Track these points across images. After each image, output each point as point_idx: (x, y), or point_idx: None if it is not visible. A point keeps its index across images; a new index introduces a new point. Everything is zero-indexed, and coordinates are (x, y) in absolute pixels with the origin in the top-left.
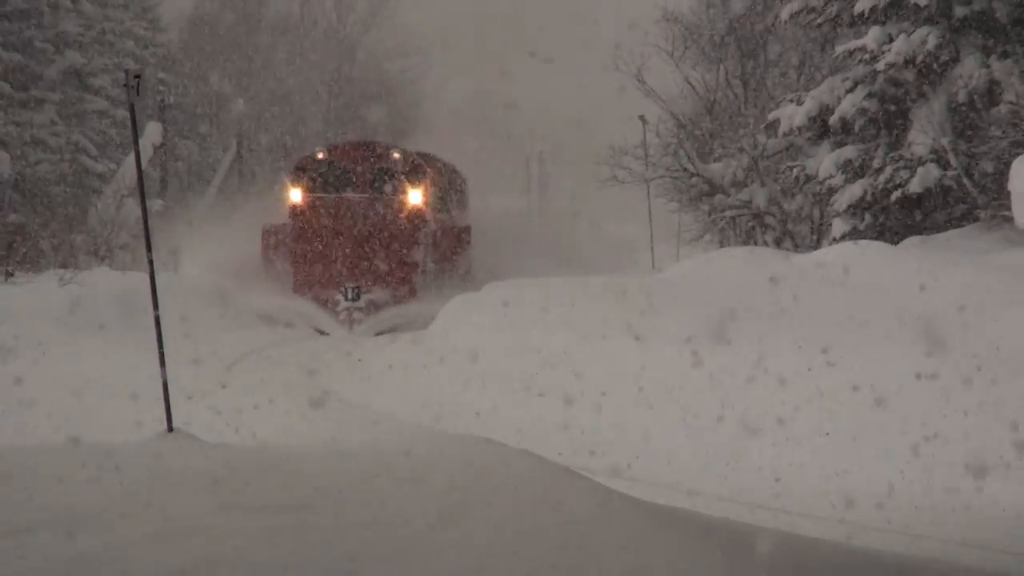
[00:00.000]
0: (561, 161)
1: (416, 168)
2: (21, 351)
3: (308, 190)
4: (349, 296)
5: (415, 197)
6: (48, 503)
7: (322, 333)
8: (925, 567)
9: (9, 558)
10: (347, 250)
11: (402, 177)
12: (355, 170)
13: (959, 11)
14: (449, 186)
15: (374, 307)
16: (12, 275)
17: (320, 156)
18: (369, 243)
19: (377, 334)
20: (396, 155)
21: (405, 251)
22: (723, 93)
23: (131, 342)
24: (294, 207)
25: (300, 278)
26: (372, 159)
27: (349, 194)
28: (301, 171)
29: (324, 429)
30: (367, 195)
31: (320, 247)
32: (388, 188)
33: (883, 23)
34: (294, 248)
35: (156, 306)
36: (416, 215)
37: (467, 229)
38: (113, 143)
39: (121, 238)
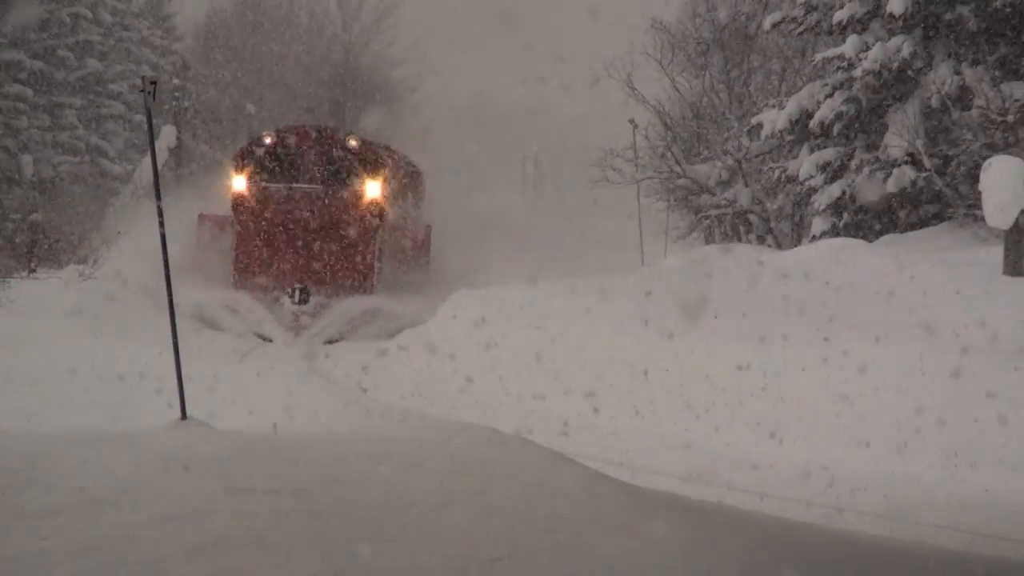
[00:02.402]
0: (555, 162)
1: (375, 157)
2: (40, 342)
3: (253, 178)
4: (296, 298)
5: (373, 189)
6: (70, 487)
7: (264, 339)
8: (895, 548)
9: (34, 538)
10: (295, 247)
11: (359, 167)
12: (307, 157)
13: (932, 21)
14: (408, 181)
15: (324, 311)
16: (35, 271)
17: (268, 140)
18: (320, 240)
19: (327, 342)
20: (353, 142)
21: (360, 250)
22: (708, 98)
23: (141, 334)
24: (237, 197)
25: (241, 277)
26: (326, 145)
27: (299, 184)
28: (246, 156)
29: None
30: (319, 186)
31: (265, 243)
32: (343, 178)
33: (860, 32)
34: (235, 244)
35: (171, 305)
36: (374, 209)
37: (427, 228)
38: (130, 146)
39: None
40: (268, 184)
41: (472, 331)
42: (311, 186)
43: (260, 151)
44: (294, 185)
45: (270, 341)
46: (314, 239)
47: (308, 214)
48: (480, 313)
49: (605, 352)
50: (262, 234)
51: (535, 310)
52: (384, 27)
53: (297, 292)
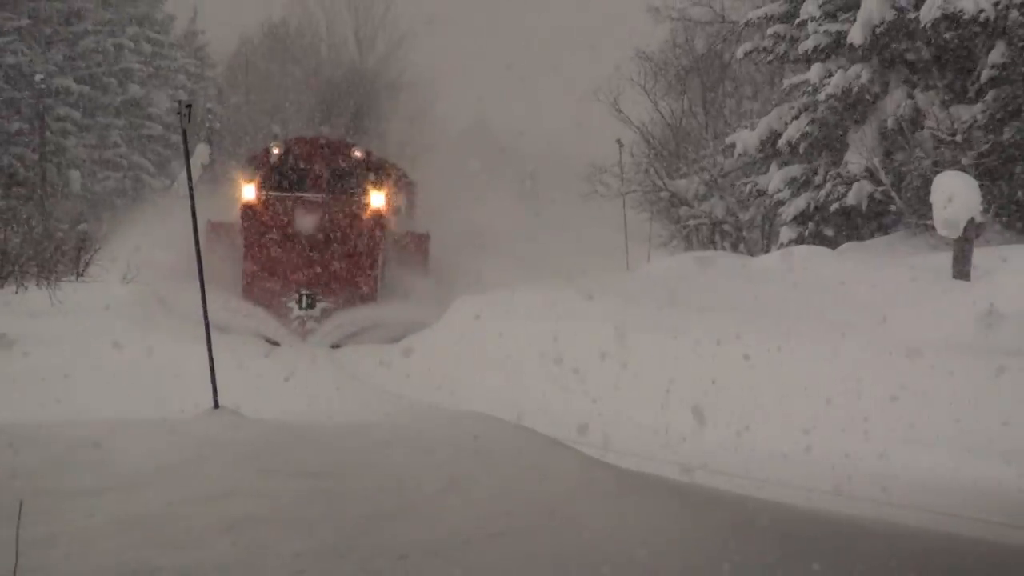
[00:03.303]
0: (550, 178)
1: (379, 169)
2: (86, 338)
3: (262, 188)
4: (303, 304)
5: (377, 200)
6: (112, 470)
7: (272, 343)
8: (861, 527)
9: (81, 515)
10: (302, 254)
11: (364, 178)
12: (313, 168)
13: (888, 51)
14: (406, 192)
15: (330, 316)
16: (82, 275)
17: (276, 151)
18: (326, 247)
19: (333, 346)
20: (358, 153)
21: (365, 257)
22: (687, 120)
23: (180, 332)
24: (246, 206)
25: (250, 282)
26: (332, 157)
27: (306, 194)
28: (255, 167)
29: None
30: (326, 195)
31: (273, 250)
32: (348, 189)
33: (823, 60)
34: (245, 250)
35: (204, 301)
36: (378, 219)
37: (426, 237)
38: (168, 162)
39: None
40: (276, 193)
41: (471, 329)
42: (317, 195)
43: (269, 162)
44: (301, 195)
45: (277, 344)
46: (320, 247)
47: (314, 223)
48: (479, 313)
49: (584, 343)
50: (270, 241)
51: (527, 308)
52: (397, 56)
53: (304, 298)
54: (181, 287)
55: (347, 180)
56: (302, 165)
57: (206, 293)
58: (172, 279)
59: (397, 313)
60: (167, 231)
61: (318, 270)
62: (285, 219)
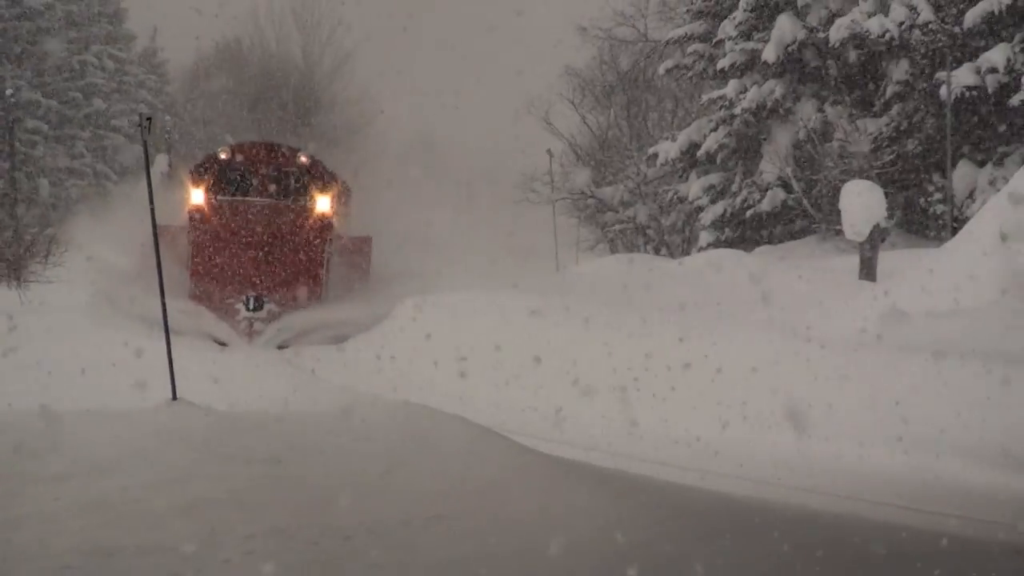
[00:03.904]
0: (485, 186)
1: (324, 173)
2: (52, 336)
3: (210, 192)
4: (250, 305)
5: (323, 204)
6: (77, 456)
7: (220, 344)
8: (764, 506)
9: (48, 498)
10: (250, 257)
11: (309, 182)
12: (260, 172)
13: (799, 68)
14: (344, 196)
15: (277, 317)
16: (50, 278)
17: (223, 156)
18: (273, 251)
19: (279, 347)
20: (303, 159)
21: (311, 260)
22: (613, 132)
23: (136, 331)
24: (194, 209)
25: (198, 285)
26: (278, 161)
27: (253, 198)
28: (203, 171)
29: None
30: (272, 200)
31: (221, 253)
32: (295, 193)
33: (740, 77)
34: (192, 254)
35: (163, 299)
36: (323, 223)
37: (368, 240)
38: (129, 171)
39: None
40: (224, 197)
41: (411, 329)
42: (264, 200)
43: (216, 166)
44: (248, 199)
45: (225, 345)
46: (268, 250)
47: (261, 227)
48: (420, 315)
49: (510, 339)
50: (218, 244)
51: (463, 309)
52: (342, 72)
53: (251, 300)
54: (131, 290)
55: (293, 184)
56: (249, 169)
57: (156, 294)
58: (124, 282)
59: (342, 314)
60: (121, 235)
61: (265, 272)
62: (232, 222)
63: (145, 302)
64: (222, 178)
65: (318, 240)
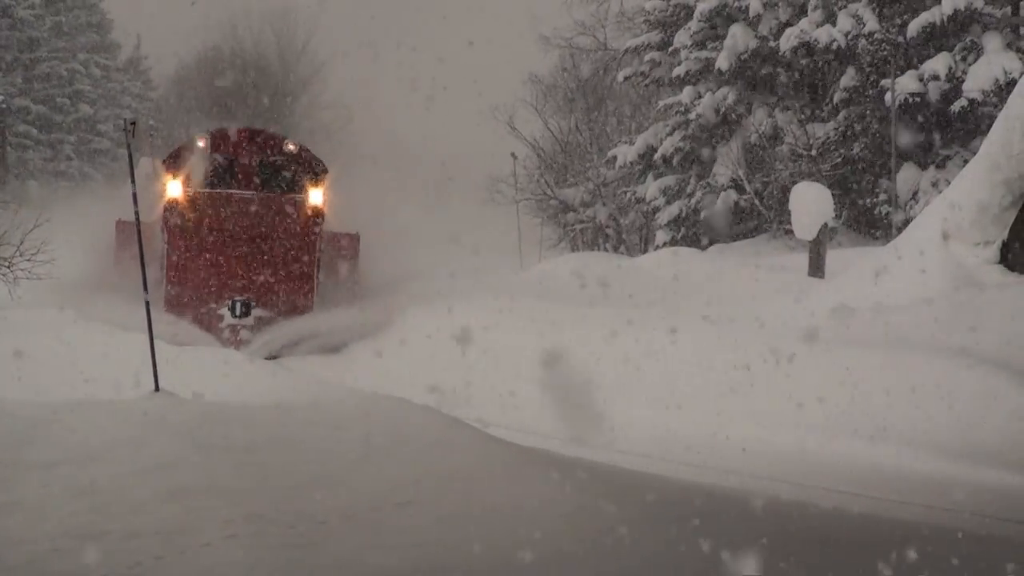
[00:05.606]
0: (453, 187)
1: (315, 163)
2: (45, 331)
3: (188, 183)
4: (236, 311)
5: (315, 197)
6: (65, 445)
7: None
8: (727, 495)
9: (37, 485)
10: (235, 256)
11: (299, 172)
12: (245, 162)
13: (751, 76)
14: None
15: (266, 325)
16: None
17: (202, 144)
18: (262, 249)
19: (268, 357)
20: (292, 146)
21: (302, 260)
22: (574, 136)
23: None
24: (170, 203)
25: (175, 290)
26: (265, 150)
27: (238, 190)
28: (179, 160)
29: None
30: (260, 193)
31: (202, 251)
32: (283, 184)
33: (694, 84)
34: (168, 253)
35: (146, 289)
36: (315, 218)
37: (356, 237)
38: (115, 174)
39: None
40: (204, 190)
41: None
42: (250, 192)
43: (195, 155)
44: (232, 191)
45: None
46: (254, 249)
47: (248, 223)
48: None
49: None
50: (199, 242)
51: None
52: (318, 79)
53: (238, 305)
54: (94, 293)
55: (281, 174)
56: (231, 158)
57: (123, 302)
58: (86, 286)
59: (334, 324)
60: (91, 235)
61: (252, 274)
62: (215, 217)
63: (105, 306)
64: (202, 168)
65: (310, 238)
